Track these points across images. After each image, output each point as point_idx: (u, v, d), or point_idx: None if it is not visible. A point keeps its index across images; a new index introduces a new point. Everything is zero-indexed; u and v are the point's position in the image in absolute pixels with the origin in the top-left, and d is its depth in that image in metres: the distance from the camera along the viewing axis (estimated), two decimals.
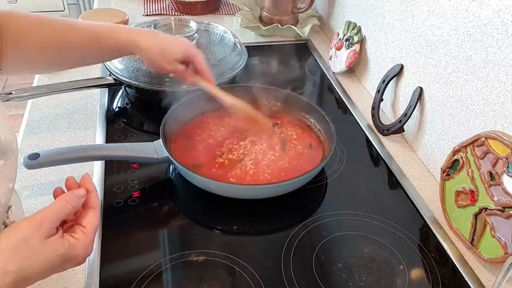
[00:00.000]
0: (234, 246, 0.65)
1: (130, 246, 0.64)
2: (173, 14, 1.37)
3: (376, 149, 0.86)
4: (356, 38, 1.05)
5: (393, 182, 0.79)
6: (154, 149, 0.72)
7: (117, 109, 0.95)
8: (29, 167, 0.65)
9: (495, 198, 0.61)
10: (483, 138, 0.62)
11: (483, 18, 0.66)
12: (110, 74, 0.92)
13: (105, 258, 0.62)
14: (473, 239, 0.65)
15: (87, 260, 0.59)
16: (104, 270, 0.60)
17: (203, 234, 0.67)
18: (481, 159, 0.63)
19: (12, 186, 0.47)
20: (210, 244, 0.65)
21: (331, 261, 0.64)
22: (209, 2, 1.38)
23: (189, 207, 0.72)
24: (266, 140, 0.80)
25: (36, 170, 0.70)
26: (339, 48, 1.10)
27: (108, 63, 0.93)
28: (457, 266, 0.64)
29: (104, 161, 0.77)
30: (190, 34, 0.99)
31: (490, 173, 0.61)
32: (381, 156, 0.84)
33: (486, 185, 0.62)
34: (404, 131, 0.87)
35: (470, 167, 0.65)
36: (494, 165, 0.61)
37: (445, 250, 0.67)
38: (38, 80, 0.99)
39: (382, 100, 0.93)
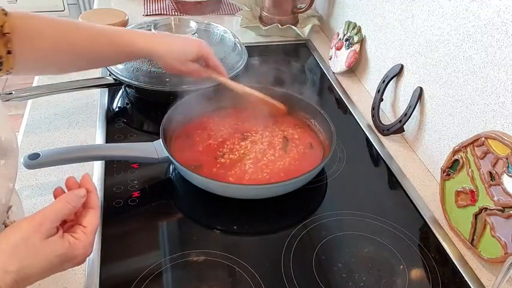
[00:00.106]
0: (234, 246, 0.65)
1: (130, 246, 0.64)
2: (173, 14, 1.37)
3: (376, 149, 0.86)
4: (356, 38, 1.05)
5: (393, 182, 0.79)
6: (154, 149, 0.72)
7: (117, 109, 0.95)
8: (29, 167, 0.65)
9: (495, 198, 0.61)
10: (483, 138, 0.62)
11: (483, 18, 0.66)
12: (110, 74, 0.92)
13: (105, 258, 0.62)
14: (473, 239, 0.65)
15: (87, 260, 0.59)
16: (104, 270, 0.60)
17: (203, 234, 0.67)
18: (481, 159, 0.63)
19: (12, 186, 0.47)
20: (210, 244, 0.65)
21: (331, 261, 0.64)
22: (209, 2, 1.38)
23: (189, 207, 0.72)
24: (267, 140, 0.80)
25: (36, 170, 0.70)
26: (339, 48, 1.10)
27: None
28: (457, 266, 0.64)
29: (104, 161, 0.77)
30: (190, 34, 0.99)
31: (490, 173, 0.61)
32: (381, 156, 0.84)
33: (486, 185, 0.62)
34: (404, 131, 0.87)
35: (470, 167, 0.65)
36: (494, 165, 0.61)
37: (445, 250, 0.67)
38: (38, 80, 0.99)
39: (382, 100, 0.93)
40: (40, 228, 0.43)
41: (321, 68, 1.14)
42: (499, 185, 0.60)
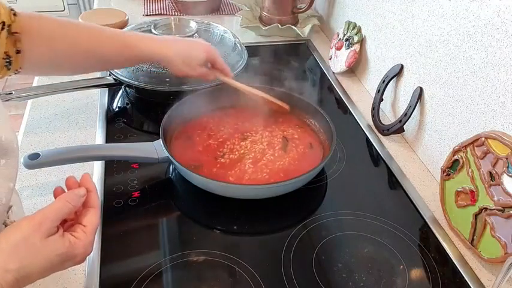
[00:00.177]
0: (234, 246, 0.65)
1: (130, 246, 0.64)
2: (173, 14, 1.37)
3: (376, 149, 0.86)
4: (356, 38, 1.05)
5: (393, 182, 0.79)
6: (154, 149, 0.72)
7: (117, 109, 0.95)
8: (29, 167, 0.65)
9: (495, 198, 0.61)
10: (483, 138, 0.62)
11: (483, 18, 0.66)
12: (110, 74, 0.92)
13: (105, 258, 0.62)
14: (473, 239, 0.65)
15: (87, 260, 0.59)
16: (104, 270, 0.60)
17: (203, 234, 0.67)
18: (481, 159, 0.63)
19: (12, 186, 0.47)
20: (210, 244, 0.65)
21: (331, 261, 0.64)
22: (209, 2, 1.38)
23: (189, 207, 0.72)
24: (267, 140, 0.80)
25: (36, 170, 0.70)
26: (339, 48, 1.10)
27: None
28: (457, 266, 0.64)
29: (104, 161, 0.77)
30: (190, 34, 0.99)
31: (490, 173, 0.61)
32: (381, 156, 0.84)
33: (486, 185, 0.62)
34: (404, 131, 0.87)
35: (470, 167, 0.65)
36: (494, 165, 0.61)
37: (445, 250, 0.67)
38: (38, 80, 0.99)
39: (382, 100, 0.93)
40: (40, 228, 0.43)
41: (321, 68, 1.14)
42: (499, 185, 0.60)
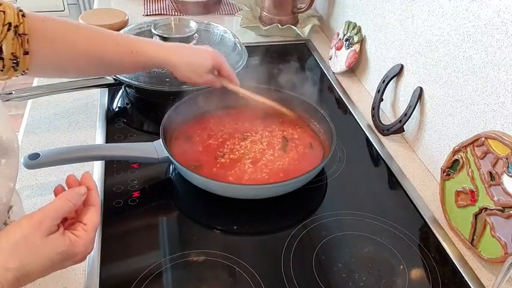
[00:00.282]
0: (234, 246, 0.65)
1: (130, 246, 0.64)
2: (173, 14, 1.37)
3: (376, 149, 0.86)
4: (356, 38, 1.05)
5: (393, 182, 0.79)
6: (154, 149, 0.72)
7: (117, 109, 0.95)
8: (29, 167, 0.65)
9: (495, 198, 0.61)
10: (483, 138, 0.62)
11: (483, 18, 0.66)
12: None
13: (105, 258, 0.62)
14: (473, 239, 0.65)
15: (87, 260, 0.59)
16: (104, 270, 0.60)
17: (203, 234, 0.67)
18: (481, 159, 0.63)
19: (13, 186, 0.47)
20: (210, 244, 0.65)
21: (331, 261, 0.64)
22: (209, 2, 1.38)
23: (189, 207, 0.72)
24: (266, 140, 0.80)
25: (36, 170, 0.70)
26: (339, 48, 1.10)
27: None
28: (457, 266, 0.64)
29: (104, 161, 0.77)
30: (190, 34, 0.99)
31: (490, 173, 0.61)
32: (381, 156, 0.84)
33: (486, 185, 0.62)
34: (404, 131, 0.87)
35: (470, 167, 0.65)
36: (494, 165, 0.61)
37: (445, 250, 0.67)
38: (38, 80, 0.99)
39: (382, 100, 0.93)
40: (40, 226, 0.43)
41: (321, 68, 1.14)
42: (499, 185, 0.60)
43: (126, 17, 1.22)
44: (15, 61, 0.60)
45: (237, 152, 0.77)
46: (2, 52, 0.58)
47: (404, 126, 0.86)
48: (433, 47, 0.78)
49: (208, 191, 0.70)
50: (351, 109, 0.98)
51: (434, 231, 0.69)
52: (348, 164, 0.82)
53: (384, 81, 0.93)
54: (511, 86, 0.62)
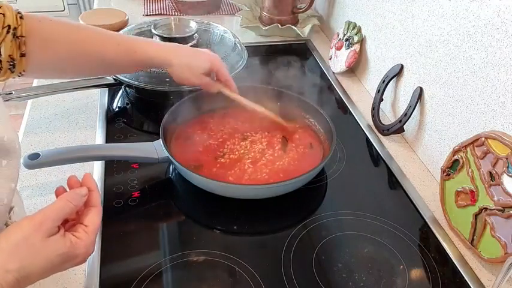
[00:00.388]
0: (234, 246, 0.65)
1: (130, 246, 0.64)
2: (173, 14, 1.37)
3: (376, 149, 0.86)
4: (356, 38, 1.05)
5: (393, 182, 0.79)
6: (154, 149, 0.72)
7: (117, 109, 0.95)
8: (29, 167, 0.65)
9: (495, 198, 0.61)
10: (483, 138, 0.62)
11: (483, 18, 0.66)
12: None
13: (105, 258, 0.62)
14: (473, 239, 0.65)
15: (87, 260, 0.59)
16: (104, 270, 0.60)
17: (203, 234, 0.67)
18: (481, 159, 0.63)
19: (14, 187, 0.47)
20: (210, 244, 0.65)
21: (331, 261, 0.64)
22: (209, 2, 1.38)
23: (189, 207, 0.72)
24: (266, 140, 0.80)
25: (36, 170, 0.69)
26: (339, 48, 1.10)
27: None
28: (457, 266, 0.64)
29: (104, 161, 0.77)
30: (190, 34, 0.99)
31: (490, 173, 0.61)
32: (381, 156, 0.84)
33: (486, 185, 0.62)
34: (404, 131, 0.87)
35: (470, 167, 0.65)
36: (494, 165, 0.61)
37: (445, 250, 0.67)
38: (38, 80, 0.99)
39: (382, 100, 0.93)
40: (41, 227, 0.43)
41: (321, 68, 1.14)
42: (499, 185, 0.60)
43: (126, 17, 1.22)
44: (12, 63, 0.60)
45: (237, 152, 0.77)
46: (0, 55, 0.58)
47: (404, 126, 0.86)
48: (433, 47, 0.78)
49: (208, 191, 0.70)
50: (351, 109, 0.98)
51: (434, 231, 0.69)
52: (348, 164, 0.82)
53: (383, 81, 0.93)
54: (511, 86, 0.62)
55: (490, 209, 0.61)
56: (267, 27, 1.23)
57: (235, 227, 0.69)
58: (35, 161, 0.65)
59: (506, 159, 0.59)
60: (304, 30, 1.25)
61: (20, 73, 0.62)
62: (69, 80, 0.89)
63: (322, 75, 1.12)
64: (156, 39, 0.97)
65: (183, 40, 0.96)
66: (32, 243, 0.42)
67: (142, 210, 0.70)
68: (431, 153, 0.81)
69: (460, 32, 0.71)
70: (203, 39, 1.04)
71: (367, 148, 0.88)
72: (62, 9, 2.59)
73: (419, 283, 0.62)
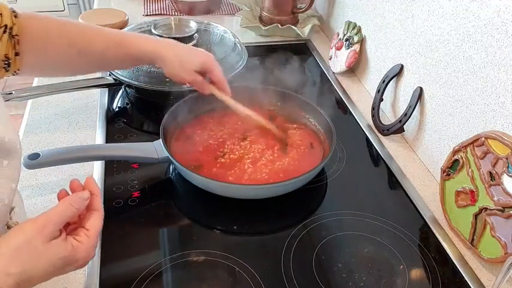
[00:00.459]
0: (234, 246, 0.65)
1: (130, 246, 0.64)
2: (173, 14, 1.37)
3: (376, 149, 0.86)
4: (356, 38, 1.05)
5: (393, 182, 0.79)
6: (154, 149, 0.72)
7: (117, 109, 0.95)
8: (29, 167, 0.65)
9: (495, 198, 0.61)
10: (483, 138, 0.62)
11: (483, 18, 0.66)
12: (109, 74, 0.92)
13: (105, 258, 0.62)
14: (473, 239, 0.65)
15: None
16: (104, 270, 0.60)
17: (203, 234, 0.67)
18: (481, 159, 0.63)
19: (15, 187, 0.47)
20: (210, 244, 0.65)
21: (331, 261, 0.64)
22: (209, 2, 1.38)
23: (189, 207, 0.72)
24: (267, 140, 0.80)
25: (36, 170, 0.69)
26: (339, 48, 1.10)
27: None
28: (457, 266, 0.64)
29: (104, 161, 0.77)
30: (190, 34, 0.99)
31: (490, 173, 0.61)
32: (381, 156, 0.84)
33: (486, 185, 0.62)
34: (404, 131, 0.87)
35: (470, 167, 0.65)
36: (494, 165, 0.61)
37: (445, 250, 0.67)
38: (38, 80, 0.99)
39: (382, 100, 0.93)
40: (43, 231, 0.42)
41: (321, 68, 1.14)
42: (499, 185, 0.60)
43: (126, 17, 1.22)
44: (7, 62, 0.60)
45: (237, 152, 0.77)
46: None
47: (404, 126, 0.86)
48: (433, 47, 0.78)
49: (208, 191, 0.70)
50: (351, 109, 0.98)
51: (434, 231, 0.69)
52: (348, 164, 0.82)
53: (383, 81, 0.93)
54: (511, 86, 0.62)
55: (490, 209, 0.61)
56: (267, 27, 1.23)
57: (235, 227, 0.69)
58: (35, 161, 0.65)
59: (506, 159, 0.59)
60: (304, 30, 1.25)
61: (15, 72, 0.62)
62: (69, 80, 0.89)
63: (322, 75, 1.12)
64: None
65: (183, 40, 0.96)
66: (34, 247, 0.42)
67: (142, 210, 0.70)
68: (431, 153, 0.81)
69: (460, 32, 0.71)
70: (203, 39, 1.04)
71: (367, 148, 0.88)
72: (62, 9, 2.59)
73: (419, 283, 0.62)
